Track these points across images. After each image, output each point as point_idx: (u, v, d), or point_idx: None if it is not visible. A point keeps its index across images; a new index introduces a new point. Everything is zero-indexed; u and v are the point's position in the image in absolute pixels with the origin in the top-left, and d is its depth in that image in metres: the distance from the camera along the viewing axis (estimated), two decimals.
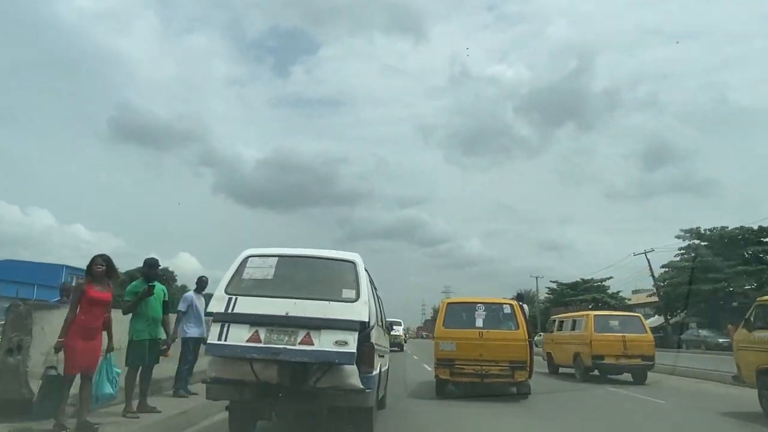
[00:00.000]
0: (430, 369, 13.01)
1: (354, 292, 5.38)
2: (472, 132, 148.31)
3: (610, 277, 56.24)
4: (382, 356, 6.92)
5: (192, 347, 8.08)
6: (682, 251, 39.80)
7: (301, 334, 5.01)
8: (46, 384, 5.19)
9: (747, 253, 36.23)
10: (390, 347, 10.43)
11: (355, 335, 5.04)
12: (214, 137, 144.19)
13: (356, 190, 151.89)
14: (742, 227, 36.12)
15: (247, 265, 5.61)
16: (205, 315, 7.96)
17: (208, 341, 5.14)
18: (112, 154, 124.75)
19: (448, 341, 9.95)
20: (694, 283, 34.75)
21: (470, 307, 10.47)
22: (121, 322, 6.28)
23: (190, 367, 8.10)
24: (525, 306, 11.41)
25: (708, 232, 37.94)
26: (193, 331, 8.16)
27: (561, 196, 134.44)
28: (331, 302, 5.21)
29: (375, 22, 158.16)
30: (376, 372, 5.55)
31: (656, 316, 48.50)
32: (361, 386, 5.10)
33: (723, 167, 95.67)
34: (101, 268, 5.43)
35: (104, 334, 5.57)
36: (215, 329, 5.07)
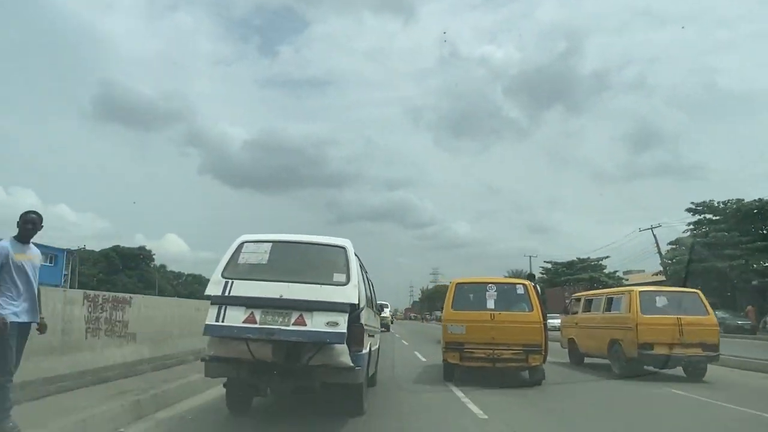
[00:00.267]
0: (424, 359, 12.35)
1: (344, 275, 5.75)
2: (461, 114, 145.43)
3: (607, 257, 55.73)
4: (372, 336, 7.36)
5: (15, 340, 4.68)
6: (691, 226, 36.37)
7: (295, 316, 5.35)
8: None
9: (765, 228, 32.68)
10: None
11: (346, 316, 5.37)
12: (201, 117, 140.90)
13: (345, 173, 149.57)
14: (760, 200, 33.30)
15: (243, 251, 5.97)
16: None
17: (206, 322, 5.33)
18: (96, 133, 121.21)
19: (457, 324, 9.63)
20: (708, 260, 31.33)
21: (481, 287, 10.08)
22: None
23: (10, 375, 4.64)
24: (537, 287, 11.14)
25: (721, 206, 34.67)
26: (12, 310, 4.66)
27: (549, 179, 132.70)
28: (322, 285, 5.55)
29: (364, 1, 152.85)
30: (365, 351, 6.00)
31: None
32: (352, 364, 5.47)
33: (711, 151, 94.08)
34: None
35: None
36: (213, 311, 5.41)
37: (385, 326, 28.43)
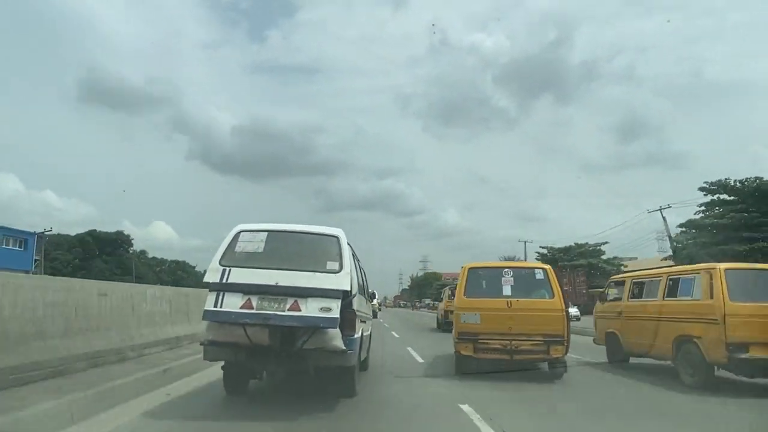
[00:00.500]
0: (421, 361, 11.46)
1: (337, 264, 6.03)
2: (451, 102, 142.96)
3: (606, 242, 54.36)
4: (364, 322, 7.74)
5: None
6: (702, 207, 33.61)
7: (290, 302, 5.66)
8: None
9: None
10: None
11: (339, 302, 5.70)
12: (188, 102, 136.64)
13: (333, 160, 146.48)
14: None
15: (239, 239, 6.23)
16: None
17: (205, 308, 5.71)
18: (82, 118, 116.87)
19: (470, 312, 8.96)
20: (726, 243, 28.48)
21: (496, 272, 9.50)
22: None
23: None
24: None
25: (738, 185, 31.83)
26: None
27: (538, 168, 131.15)
28: (316, 273, 5.88)
29: None
30: (357, 335, 6.43)
31: None
32: (344, 348, 5.80)
33: (698, 139, 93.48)
34: None
35: None
36: (211, 297, 5.71)
37: (373, 313, 26.81)
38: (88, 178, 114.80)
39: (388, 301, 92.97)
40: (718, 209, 35.25)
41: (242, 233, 6.26)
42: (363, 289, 7.99)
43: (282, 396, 7.08)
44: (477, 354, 8.89)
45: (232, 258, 6.00)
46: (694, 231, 36.96)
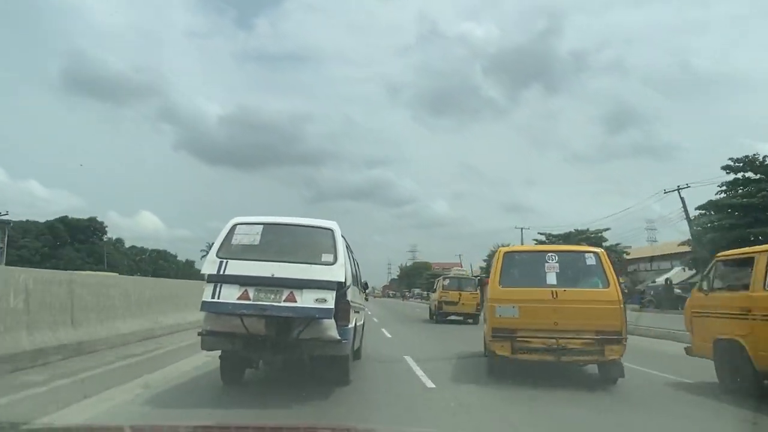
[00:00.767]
0: (419, 373, 8.63)
1: (332, 256, 6.20)
2: (440, 92, 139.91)
3: (607, 229, 50.75)
4: (358, 312, 8.03)
5: None
6: (723, 187, 30.22)
7: (286, 293, 5.84)
8: None
9: None
10: None
11: (333, 293, 5.93)
12: (175, 91, 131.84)
13: (322, 150, 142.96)
14: None
15: (236, 232, 6.41)
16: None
17: (203, 299, 5.95)
18: (66, 106, 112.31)
19: (507, 304, 7.74)
20: (755, 225, 28.55)
21: (538, 257, 8.44)
22: None
23: None
24: None
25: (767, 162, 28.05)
26: None
27: (527, 158, 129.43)
28: (311, 265, 6.06)
29: None
30: (351, 325, 6.70)
31: (677, 269, 39.08)
32: (339, 337, 6.03)
33: (685, 131, 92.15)
34: None
35: None
36: (209, 289, 5.94)
37: None
38: (74, 168, 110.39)
39: (376, 292, 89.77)
40: (743, 189, 32.07)
41: (238, 226, 6.49)
42: (356, 280, 8.34)
43: (277, 384, 7.36)
44: (515, 354, 7.75)
45: (228, 250, 6.27)
46: (713, 213, 33.74)
